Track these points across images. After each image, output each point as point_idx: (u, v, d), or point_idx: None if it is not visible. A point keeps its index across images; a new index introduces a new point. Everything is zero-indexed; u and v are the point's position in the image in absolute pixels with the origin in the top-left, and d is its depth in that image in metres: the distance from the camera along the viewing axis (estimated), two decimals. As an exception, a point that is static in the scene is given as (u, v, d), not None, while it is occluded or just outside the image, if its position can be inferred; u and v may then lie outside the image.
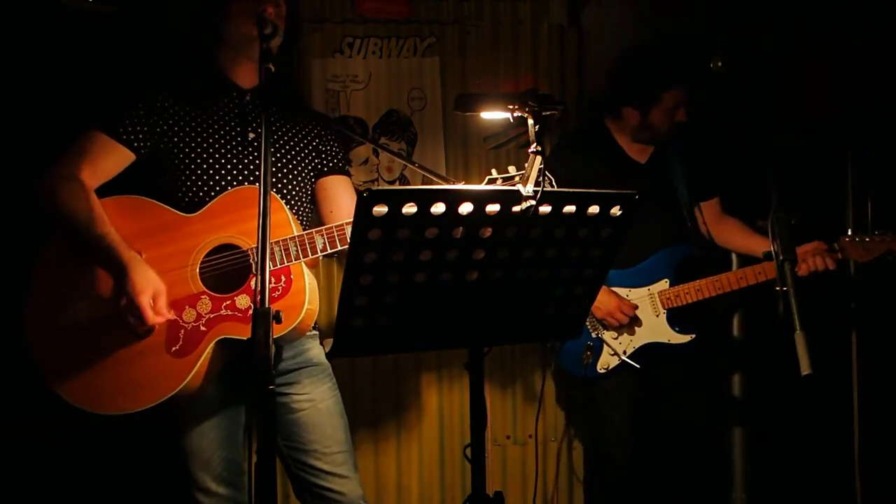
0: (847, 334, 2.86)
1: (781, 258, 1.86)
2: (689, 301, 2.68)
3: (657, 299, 2.71)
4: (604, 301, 2.67)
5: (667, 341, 2.70)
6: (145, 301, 1.88)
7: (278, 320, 1.47)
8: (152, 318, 1.89)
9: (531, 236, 1.47)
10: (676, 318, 2.71)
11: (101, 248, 1.92)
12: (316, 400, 2.14)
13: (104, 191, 2.05)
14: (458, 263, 1.46)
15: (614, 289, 2.72)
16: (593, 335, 2.72)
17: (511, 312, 1.61)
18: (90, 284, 1.97)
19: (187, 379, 1.92)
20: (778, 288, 1.85)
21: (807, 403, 2.91)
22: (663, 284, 2.72)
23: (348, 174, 2.32)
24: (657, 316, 2.71)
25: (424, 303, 1.50)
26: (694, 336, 2.70)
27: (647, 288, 2.73)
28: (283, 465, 2.17)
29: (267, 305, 1.44)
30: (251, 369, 1.43)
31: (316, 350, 2.20)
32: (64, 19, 2.58)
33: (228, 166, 2.08)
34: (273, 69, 1.71)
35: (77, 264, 1.98)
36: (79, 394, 1.94)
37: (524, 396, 3.21)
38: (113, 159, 2.05)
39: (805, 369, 1.75)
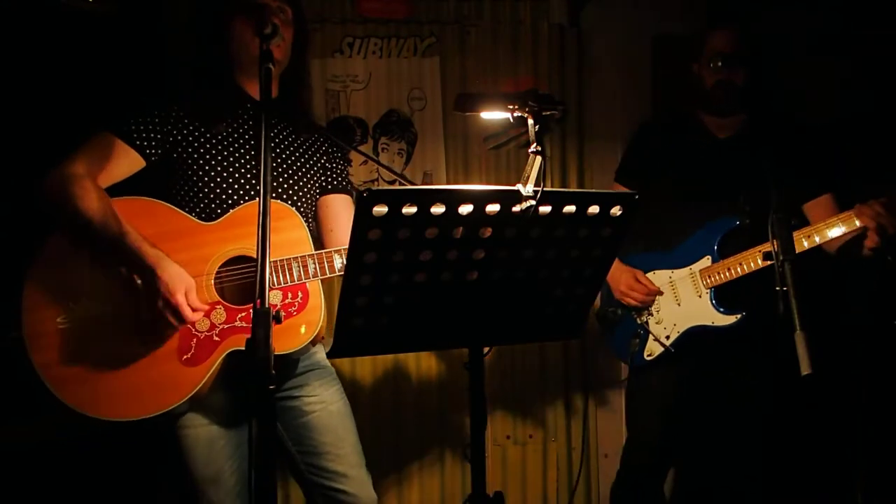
0: (847, 334, 2.85)
1: (781, 258, 1.86)
2: (734, 277, 2.39)
3: (699, 278, 2.48)
4: (615, 277, 2.57)
5: (710, 323, 2.45)
6: (181, 299, 1.83)
7: (278, 320, 1.47)
8: (191, 315, 1.85)
9: (531, 236, 1.47)
10: (722, 297, 2.45)
11: (122, 247, 1.85)
12: (326, 402, 2.12)
13: (111, 193, 1.97)
14: (458, 263, 1.46)
15: (657, 272, 2.56)
16: (639, 321, 2.57)
17: (511, 312, 1.61)
18: (98, 286, 1.91)
19: (197, 388, 1.90)
20: (778, 288, 1.85)
21: (807, 403, 2.91)
22: (706, 262, 2.47)
23: (351, 193, 2.29)
24: (700, 297, 2.47)
25: (424, 303, 1.50)
26: (741, 316, 2.41)
27: (689, 268, 2.50)
28: (293, 472, 2.14)
29: (267, 305, 1.43)
30: (250, 369, 1.42)
31: (321, 354, 2.18)
32: (64, 19, 2.59)
33: (242, 181, 2.04)
34: (273, 69, 1.70)
35: (82, 265, 1.91)
36: (82, 397, 1.87)
37: (524, 396, 3.21)
38: (124, 163, 1.99)
39: (805, 369, 1.76)
